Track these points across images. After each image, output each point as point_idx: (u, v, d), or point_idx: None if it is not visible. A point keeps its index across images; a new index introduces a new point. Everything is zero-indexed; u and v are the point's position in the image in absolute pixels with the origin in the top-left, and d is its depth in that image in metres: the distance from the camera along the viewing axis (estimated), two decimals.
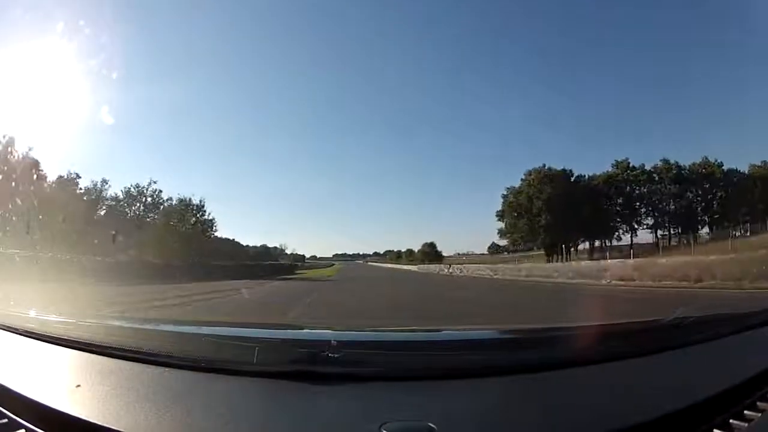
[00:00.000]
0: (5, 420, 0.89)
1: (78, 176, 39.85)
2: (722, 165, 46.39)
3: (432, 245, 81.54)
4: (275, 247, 78.02)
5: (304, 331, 1.64)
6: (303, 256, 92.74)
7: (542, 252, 49.31)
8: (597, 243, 50.47)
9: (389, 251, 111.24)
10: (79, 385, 0.97)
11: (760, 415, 0.85)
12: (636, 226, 50.01)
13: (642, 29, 71.73)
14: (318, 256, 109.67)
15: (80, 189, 40.36)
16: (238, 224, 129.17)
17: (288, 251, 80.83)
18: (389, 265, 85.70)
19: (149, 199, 44.31)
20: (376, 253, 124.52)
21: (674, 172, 47.41)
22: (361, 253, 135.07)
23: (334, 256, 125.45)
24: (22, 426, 0.86)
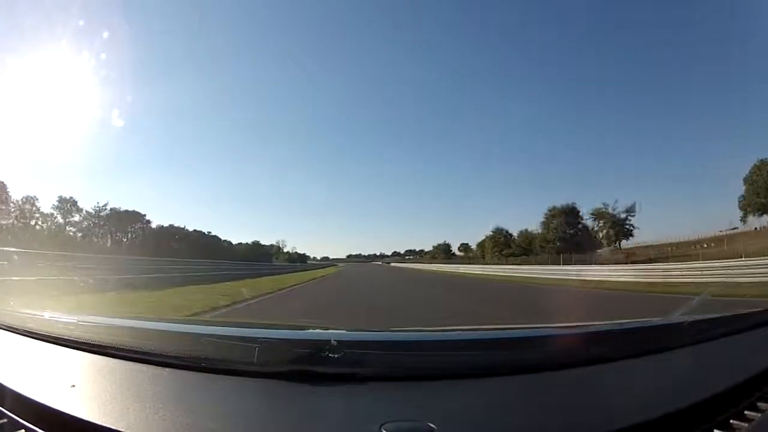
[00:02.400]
0: (5, 420, 0.89)
1: None
2: None
3: (574, 210, 41.35)
4: (271, 245, 66.36)
5: (305, 331, 1.63)
6: (304, 255, 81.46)
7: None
8: None
9: (410, 251, 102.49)
10: (74, 385, 0.97)
11: (760, 415, 0.85)
12: None
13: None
14: (330, 257, 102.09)
15: None
16: (248, 224, 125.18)
17: (287, 249, 71.33)
18: (444, 268, 50.31)
19: None
20: (395, 253, 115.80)
21: None
22: (378, 253, 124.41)
23: (348, 257, 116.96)
24: (22, 426, 0.86)
